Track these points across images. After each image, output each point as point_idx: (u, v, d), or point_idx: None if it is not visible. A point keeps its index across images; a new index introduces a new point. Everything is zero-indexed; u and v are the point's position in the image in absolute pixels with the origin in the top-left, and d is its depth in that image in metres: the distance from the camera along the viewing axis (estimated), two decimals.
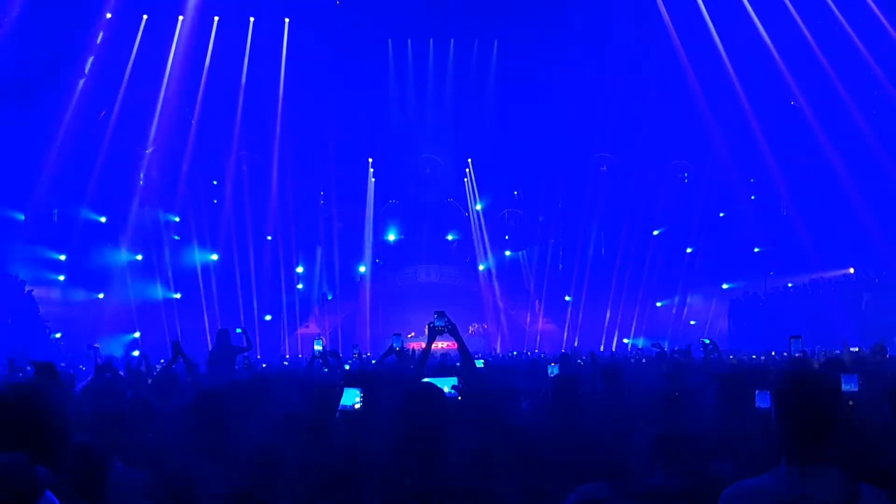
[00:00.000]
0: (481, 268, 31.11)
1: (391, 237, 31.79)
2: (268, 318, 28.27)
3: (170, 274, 26.24)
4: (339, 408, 2.72)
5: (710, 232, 28.14)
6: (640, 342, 24.81)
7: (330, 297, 29.61)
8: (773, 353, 13.42)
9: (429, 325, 5.15)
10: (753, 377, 4.09)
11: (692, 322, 28.35)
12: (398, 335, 7.40)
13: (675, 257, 28.79)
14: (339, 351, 10.42)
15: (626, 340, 27.67)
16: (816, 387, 2.16)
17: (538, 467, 3.12)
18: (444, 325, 5.10)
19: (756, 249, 27.23)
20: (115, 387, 6.28)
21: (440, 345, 25.82)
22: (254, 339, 15.52)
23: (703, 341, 9.52)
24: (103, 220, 25.23)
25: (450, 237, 31.22)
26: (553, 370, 7.13)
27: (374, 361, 10.67)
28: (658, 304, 29.93)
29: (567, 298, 30.00)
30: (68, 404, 2.11)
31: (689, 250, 28.81)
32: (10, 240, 20.73)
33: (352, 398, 2.84)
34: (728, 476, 2.42)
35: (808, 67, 23.11)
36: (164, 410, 4.31)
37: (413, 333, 24.74)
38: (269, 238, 29.12)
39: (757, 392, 3.86)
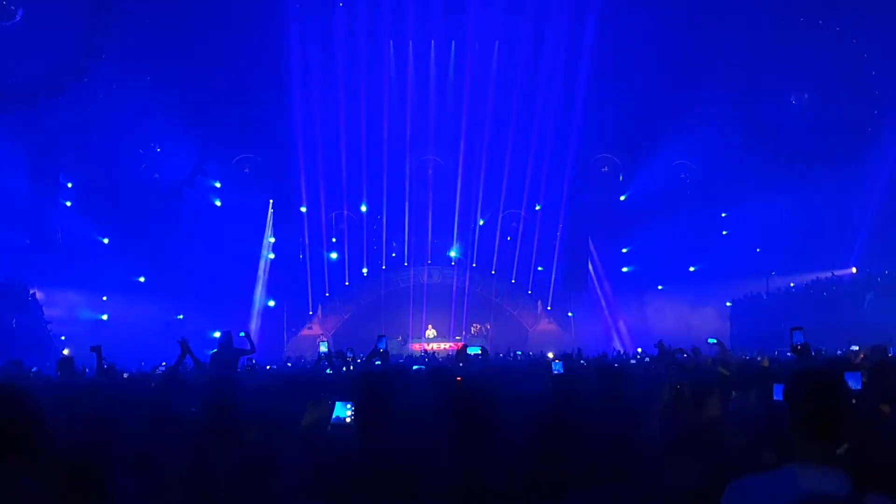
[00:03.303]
0: (476, 266, 31.08)
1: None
2: (271, 303, 28.71)
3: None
4: (332, 420, 2.70)
5: (709, 233, 28.10)
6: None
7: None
8: (776, 353, 13.39)
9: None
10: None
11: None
12: (382, 337, 7.57)
13: (676, 257, 28.75)
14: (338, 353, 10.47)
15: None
16: (824, 384, 2.14)
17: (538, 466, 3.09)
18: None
19: (758, 249, 27.18)
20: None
21: (442, 345, 25.89)
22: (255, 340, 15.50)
23: (709, 341, 9.50)
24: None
25: (452, 253, 31.20)
26: (557, 367, 6.88)
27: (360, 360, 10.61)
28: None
29: (570, 314, 30.33)
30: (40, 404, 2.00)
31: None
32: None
33: (343, 411, 2.83)
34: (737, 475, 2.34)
35: (808, 68, 23.12)
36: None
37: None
38: (273, 240, 29.16)
39: (774, 385, 3.84)
